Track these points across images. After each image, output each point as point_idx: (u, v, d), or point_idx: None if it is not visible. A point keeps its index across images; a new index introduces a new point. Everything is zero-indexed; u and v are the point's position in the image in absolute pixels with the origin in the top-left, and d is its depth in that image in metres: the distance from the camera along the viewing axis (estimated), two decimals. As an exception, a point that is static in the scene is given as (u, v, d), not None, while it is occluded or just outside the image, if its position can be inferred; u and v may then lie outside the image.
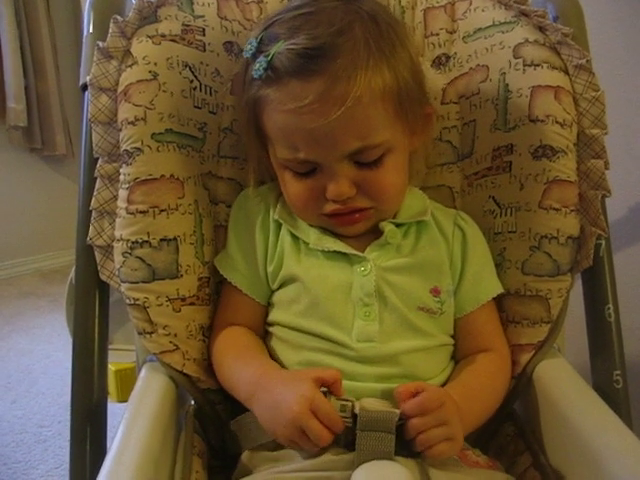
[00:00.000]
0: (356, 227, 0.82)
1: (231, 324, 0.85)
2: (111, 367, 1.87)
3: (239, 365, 0.79)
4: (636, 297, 1.33)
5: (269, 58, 0.73)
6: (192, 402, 0.85)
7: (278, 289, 0.84)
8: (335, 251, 0.81)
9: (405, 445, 0.67)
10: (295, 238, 0.84)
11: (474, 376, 0.80)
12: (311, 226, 0.83)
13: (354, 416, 0.68)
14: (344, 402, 0.69)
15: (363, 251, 0.81)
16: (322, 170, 0.76)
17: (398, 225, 0.83)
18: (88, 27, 0.89)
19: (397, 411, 0.68)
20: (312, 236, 0.82)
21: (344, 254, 0.81)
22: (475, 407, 0.77)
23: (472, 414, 0.75)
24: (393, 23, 0.80)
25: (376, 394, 0.74)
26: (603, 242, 0.86)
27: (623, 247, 1.40)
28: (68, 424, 0.84)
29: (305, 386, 0.68)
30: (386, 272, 0.80)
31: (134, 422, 0.71)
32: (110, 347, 1.89)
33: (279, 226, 0.85)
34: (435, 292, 0.82)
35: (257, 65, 0.75)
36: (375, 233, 0.83)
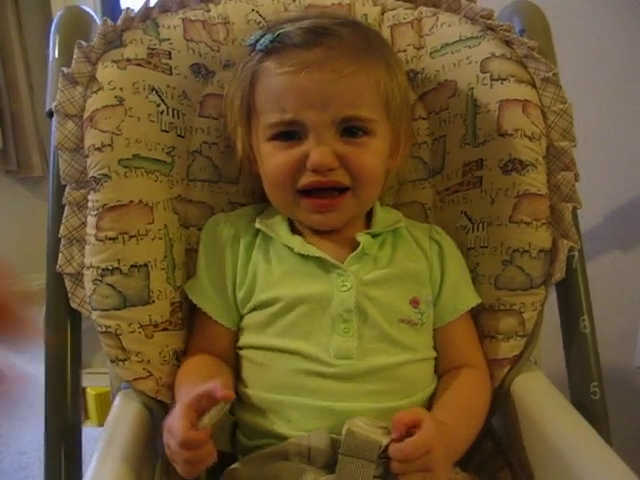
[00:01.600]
0: (332, 216, 0.81)
1: (200, 351, 0.84)
2: (90, 391, 1.85)
3: (177, 395, 0.79)
4: (612, 305, 1.34)
5: (276, 34, 0.78)
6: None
7: (249, 313, 0.83)
8: (318, 258, 0.80)
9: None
10: (267, 258, 0.83)
11: (460, 393, 0.80)
12: (293, 235, 0.83)
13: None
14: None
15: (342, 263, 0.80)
16: (307, 136, 0.76)
17: (374, 236, 0.83)
18: (53, 52, 0.88)
19: (383, 442, 0.66)
20: (297, 243, 0.81)
21: (325, 265, 0.80)
22: (469, 429, 0.76)
23: (466, 436, 0.75)
24: (390, 46, 0.90)
25: (370, 414, 0.72)
26: (576, 253, 0.87)
27: (597, 255, 1.41)
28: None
29: (174, 418, 0.65)
30: (367, 287, 0.79)
31: (107, 452, 0.70)
32: (89, 371, 1.87)
33: (252, 247, 0.84)
34: (414, 303, 0.81)
35: (262, 40, 0.79)
36: (351, 245, 0.82)
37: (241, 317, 0.84)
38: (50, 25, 0.89)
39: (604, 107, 1.42)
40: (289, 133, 0.78)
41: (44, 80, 0.89)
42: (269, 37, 0.77)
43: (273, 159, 0.79)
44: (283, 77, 0.76)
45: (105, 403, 1.82)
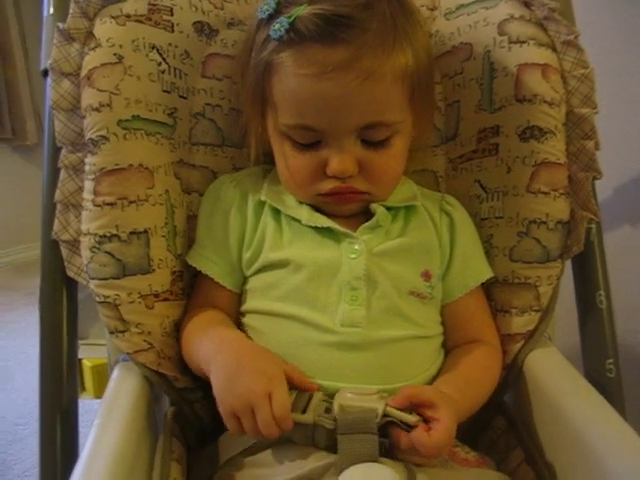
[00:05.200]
0: (348, 207, 0.79)
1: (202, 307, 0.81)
2: (87, 363, 1.83)
3: (202, 334, 0.75)
4: (620, 281, 1.31)
5: (291, 19, 0.69)
6: (169, 404, 0.82)
7: (254, 275, 0.80)
8: (328, 228, 0.77)
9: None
10: (278, 222, 0.80)
11: (470, 369, 0.77)
12: (301, 204, 0.80)
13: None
14: (328, 402, 0.67)
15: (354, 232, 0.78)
16: (327, 143, 0.73)
17: (388, 209, 0.80)
18: (48, 8, 0.84)
19: (379, 408, 0.64)
20: (304, 214, 0.79)
21: (335, 234, 0.77)
22: (472, 402, 0.74)
23: (466, 408, 0.72)
24: (413, 7, 0.78)
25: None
26: (594, 226, 0.84)
27: (606, 229, 1.38)
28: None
29: (273, 369, 0.66)
30: (378, 257, 0.77)
31: (106, 427, 0.67)
32: (86, 342, 1.85)
33: (261, 210, 0.81)
34: (426, 276, 0.79)
35: (277, 25, 0.70)
36: (365, 215, 0.80)
37: (245, 280, 0.81)
38: (45, -18, 0.84)
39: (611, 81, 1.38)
40: (308, 137, 0.74)
41: (39, 45, 0.85)
42: (285, 24, 0.69)
43: (292, 159, 0.76)
44: (302, 80, 0.70)
45: (102, 375, 1.80)
